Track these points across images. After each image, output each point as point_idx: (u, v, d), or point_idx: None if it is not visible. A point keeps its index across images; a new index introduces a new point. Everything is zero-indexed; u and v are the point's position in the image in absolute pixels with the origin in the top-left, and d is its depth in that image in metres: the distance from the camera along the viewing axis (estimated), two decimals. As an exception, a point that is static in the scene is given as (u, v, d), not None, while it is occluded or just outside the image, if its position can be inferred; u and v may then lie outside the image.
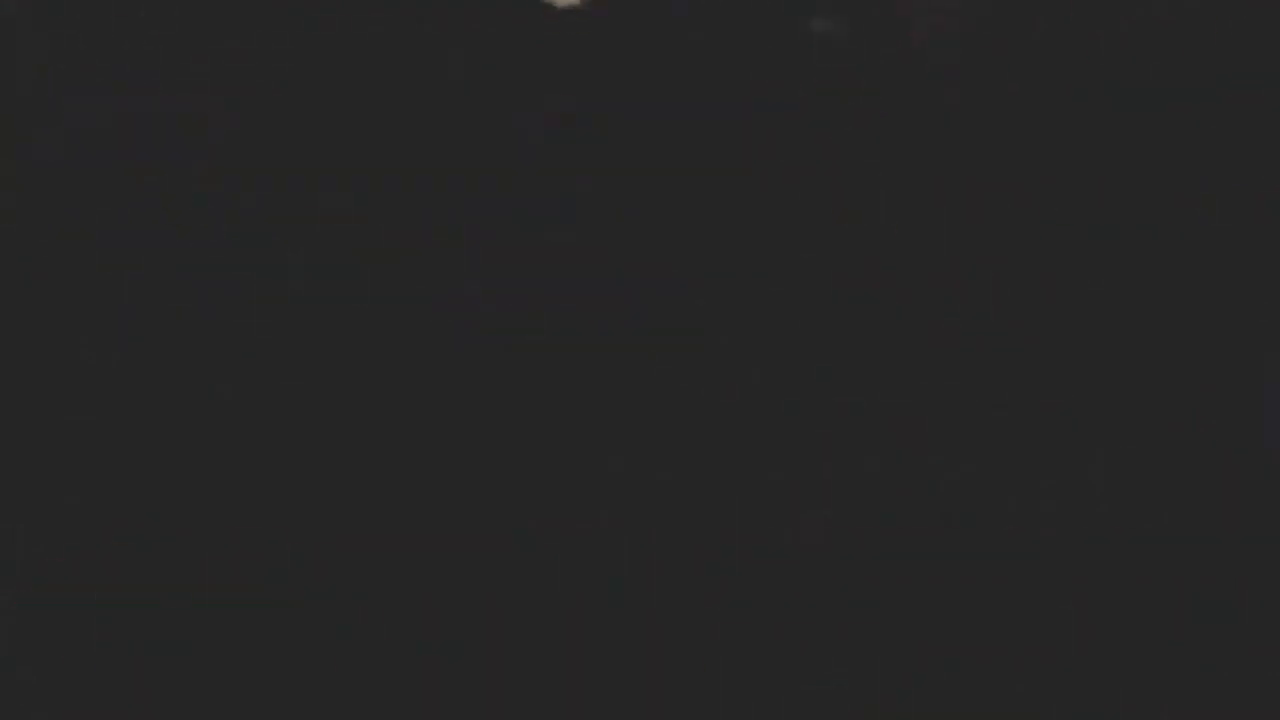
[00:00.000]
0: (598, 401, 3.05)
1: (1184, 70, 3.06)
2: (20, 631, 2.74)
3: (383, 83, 3.14)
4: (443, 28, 3.13)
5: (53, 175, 3.13)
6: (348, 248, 3.13)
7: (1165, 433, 2.90)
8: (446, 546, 2.87)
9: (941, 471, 2.90)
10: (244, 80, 3.14)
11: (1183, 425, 2.91)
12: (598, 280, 3.11)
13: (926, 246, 3.07)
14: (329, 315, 3.11)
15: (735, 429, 2.99)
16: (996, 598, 2.74)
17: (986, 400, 2.98)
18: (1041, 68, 3.04)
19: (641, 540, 2.86)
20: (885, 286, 3.06)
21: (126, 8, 3.14)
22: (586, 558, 2.85)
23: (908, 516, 2.84)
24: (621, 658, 2.70)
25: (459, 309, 3.10)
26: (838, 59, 3.01)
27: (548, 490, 2.93)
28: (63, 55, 3.14)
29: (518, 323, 3.10)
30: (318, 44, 3.15)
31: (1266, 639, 2.63)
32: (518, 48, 3.13)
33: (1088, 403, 2.97)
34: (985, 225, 3.07)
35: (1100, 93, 3.06)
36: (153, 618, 2.78)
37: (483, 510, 2.92)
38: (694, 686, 2.65)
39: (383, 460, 2.99)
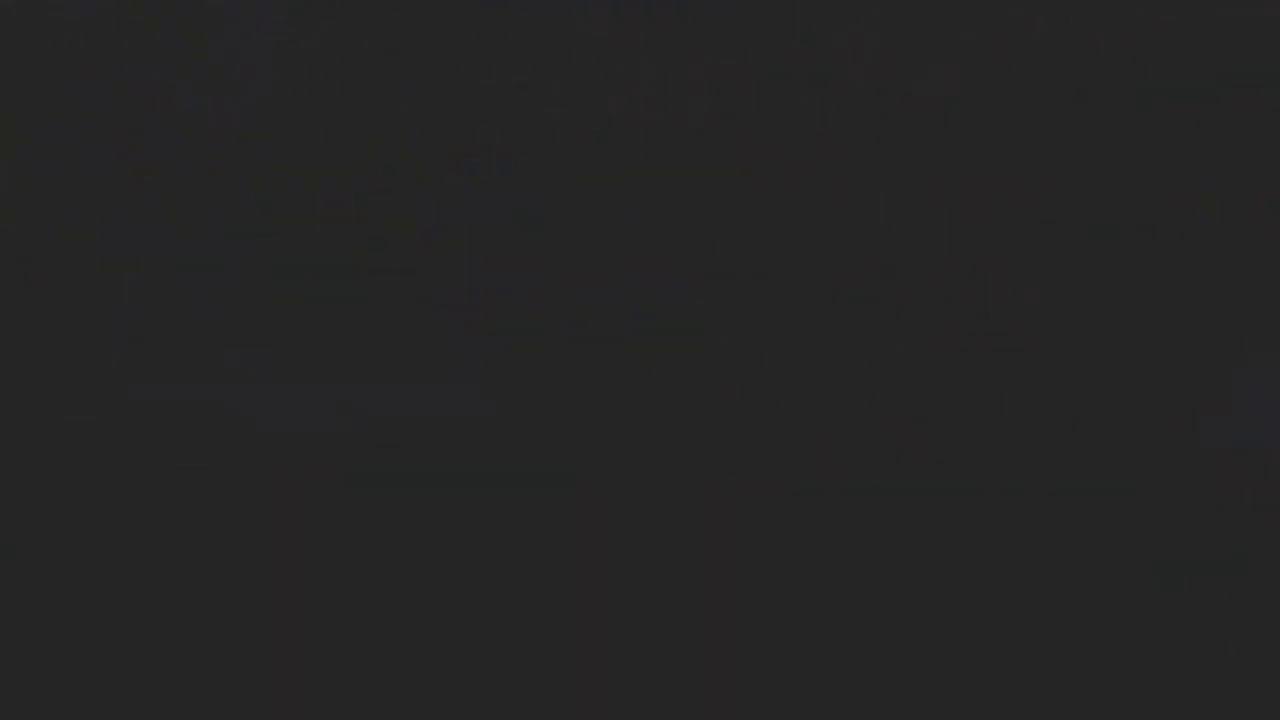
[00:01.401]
0: (596, 400, 3.04)
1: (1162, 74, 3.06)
2: (19, 631, 2.73)
3: (384, 84, 3.14)
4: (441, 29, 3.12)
5: (53, 175, 3.12)
6: (347, 247, 3.13)
7: (1165, 431, 2.90)
8: (445, 545, 2.87)
9: (941, 470, 2.90)
10: (245, 79, 3.14)
11: (1183, 424, 2.91)
12: (597, 280, 3.10)
13: (926, 247, 3.07)
14: (328, 314, 3.10)
15: (734, 428, 2.99)
16: (994, 599, 2.73)
17: (985, 400, 2.98)
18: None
19: (640, 538, 2.86)
20: (885, 287, 3.06)
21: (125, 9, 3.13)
22: (584, 556, 2.84)
23: (906, 515, 2.84)
24: (619, 656, 2.70)
25: (458, 307, 3.09)
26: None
27: (545, 490, 2.92)
28: (63, 55, 3.14)
29: (516, 322, 3.09)
30: (318, 45, 3.14)
31: (1265, 636, 2.63)
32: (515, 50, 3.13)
33: (1087, 401, 2.97)
34: (984, 225, 3.07)
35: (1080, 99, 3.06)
36: (151, 617, 2.77)
37: (479, 511, 2.92)
38: (692, 686, 2.65)
39: (380, 459, 2.99)
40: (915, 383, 3.01)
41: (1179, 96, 3.05)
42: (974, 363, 3.02)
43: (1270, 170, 3.04)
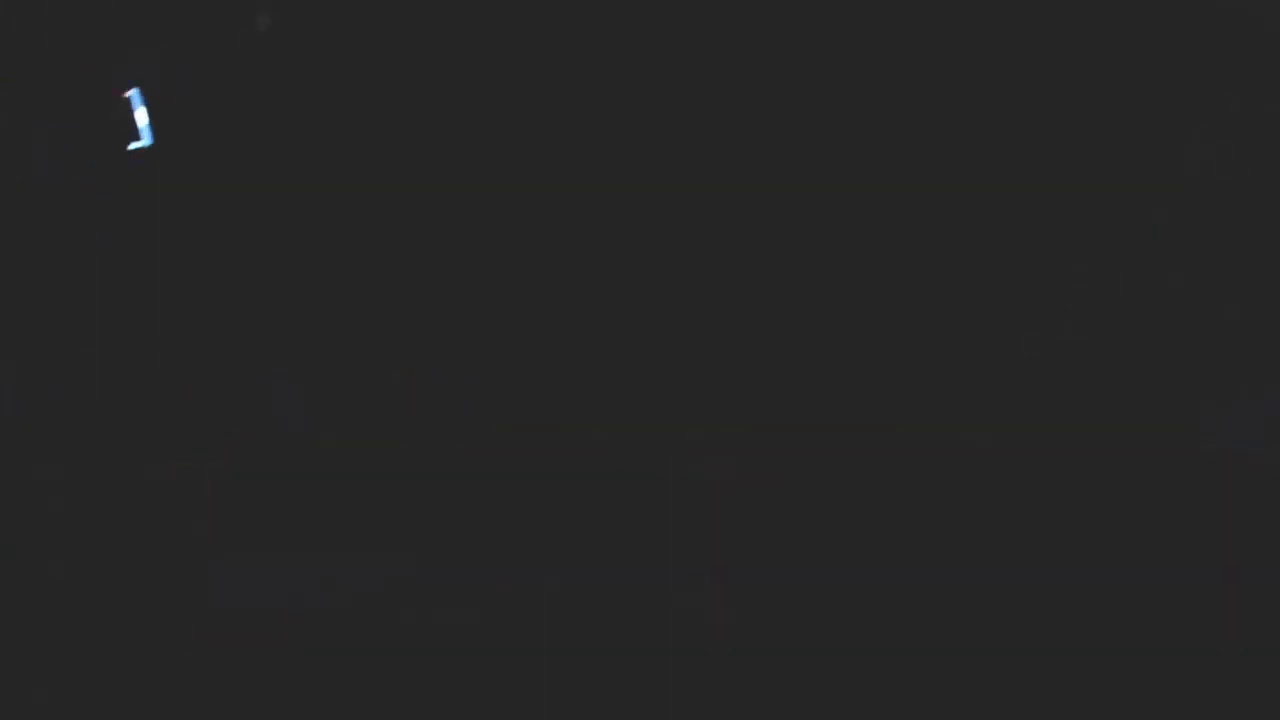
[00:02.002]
0: (593, 400, 3.05)
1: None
2: (19, 631, 2.75)
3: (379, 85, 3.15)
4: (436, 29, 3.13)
5: (52, 176, 3.13)
6: (344, 248, 3.13)
7: (1165, 432, 2.90)
8: (446, 553, 2.88)
9: (941, 470, 2.90)
10: (238, 84, 3.15)
11: (1183, 424, 2.91)
12: (596, 280, 3.11)
13: (927, 246, 3.08)
14: (326, 314, 3.11)
15: (733, 425, 2.99)
16: (994, 599, 2.74)
17: (986, 402, 2.98)
18: None
19: (639, 540, 2.86)
20: (886, 286, 3.06)
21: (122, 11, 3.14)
22: (583, 555, 2.85)
23: (906, 515, 2.84)
24: (617, 656, 2.70)
25: (456, 306, 3.10)
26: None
27: (544, 494, 2.93)
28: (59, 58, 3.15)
29: (514, 322, 3.10)
30: (314, 45, 3.15)
31: (1265, 636, 2.63)
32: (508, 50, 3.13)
33: (1087, 401, 2.97)
34: (985, 226, 3.07)
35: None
36: (151, 617, 2.78)
37: (478, 518, 2.93)
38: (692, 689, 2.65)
39: (377, 466, 3.00)
40: (915, 382, 3.01)
41: (1175, 94, 3.05)
42: (974, 362, 3.02)
43: (1274, 168, 3.04)
